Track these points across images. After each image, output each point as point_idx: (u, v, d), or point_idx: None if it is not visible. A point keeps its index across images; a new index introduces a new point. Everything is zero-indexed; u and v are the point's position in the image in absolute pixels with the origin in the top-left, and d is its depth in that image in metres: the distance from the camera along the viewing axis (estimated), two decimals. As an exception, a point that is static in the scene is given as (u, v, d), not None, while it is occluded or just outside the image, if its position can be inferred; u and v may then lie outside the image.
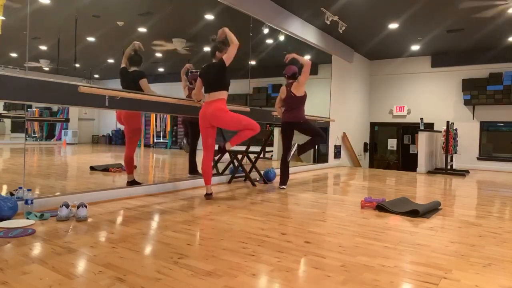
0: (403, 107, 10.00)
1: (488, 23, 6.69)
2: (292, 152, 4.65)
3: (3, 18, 2.94)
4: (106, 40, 4.65)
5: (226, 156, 5.21)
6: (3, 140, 6.99)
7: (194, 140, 5.24)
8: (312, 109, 6.86)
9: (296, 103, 4.73)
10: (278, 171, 5.36)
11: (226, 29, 3.84)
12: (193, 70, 5.12)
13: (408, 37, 7.89)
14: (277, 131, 8.48)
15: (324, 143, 8.07)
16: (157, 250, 2.22)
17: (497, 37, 7.57)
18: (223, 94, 3.85)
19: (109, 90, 3.53)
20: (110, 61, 5.06)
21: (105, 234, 2.52)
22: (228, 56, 3.79)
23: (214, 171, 5.32)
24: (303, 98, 4.76)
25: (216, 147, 4.07)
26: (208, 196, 3.96)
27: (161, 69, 5.71)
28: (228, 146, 3.93)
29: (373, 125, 10.66)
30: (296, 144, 4.67)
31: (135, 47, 4.25)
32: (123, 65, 4.25)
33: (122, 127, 4.42)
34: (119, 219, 2.95)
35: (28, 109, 6.21)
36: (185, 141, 5.25)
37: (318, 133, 4.75)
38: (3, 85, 2.84)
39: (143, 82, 4.10)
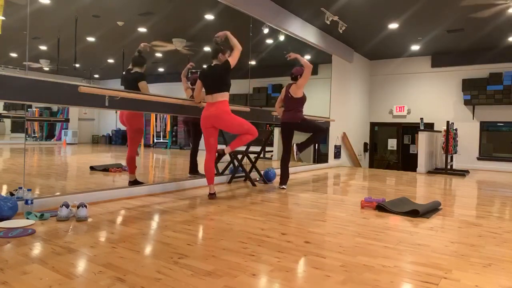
0: (403, 107, 10.00)
1: (488, 23, 6.69)
2: (295, 153, 4.66)
3: (3, 18, 2.94)
4: (106, 40, 4.65)
5: (226, 156, 5.21)
6: (3, 140, 6.99)
7: (196, 140, 5.24)
8: (312, 109, 6.86)
9: (293, 104, 4.75)
10: (278, 171, 5.36)
11: (229, 33, 3.93)
12: (193, 71, 5.11)
13: (408, 37, 7.89)
14: (277, 131, 8.48)
15: (324, 142, 8.03)
16: (157, 250, 2.22)
17: (497, 37, 7.56)
18: (226, 96, 3.87)
19: (109, 90, 3.53)
20: (110, 61, 5.06)
21: (105, 234, 2.52)
22: (233, 60, 3.84)
23: (214, 171, 5.33)
24: (301, 100, 4.77)
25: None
26: (212, 195, 3.96)
27: (161, 69, 5.71)
28: (228, 150, 3.93)
29: (373, 125, 10.66)
30: (295, 144, 4.68)
31: (140, 48, 4.24)
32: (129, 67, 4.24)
33: (122, 127, 4.40)
34: (119, 219, 2.95)
35: (28, 109, 6.21)
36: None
37: (319, 128, 4.76)
38: (3, 85, 2.84)
39: (142, 84, 4.08)
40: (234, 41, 3.90)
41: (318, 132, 4.77)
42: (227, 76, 3.85)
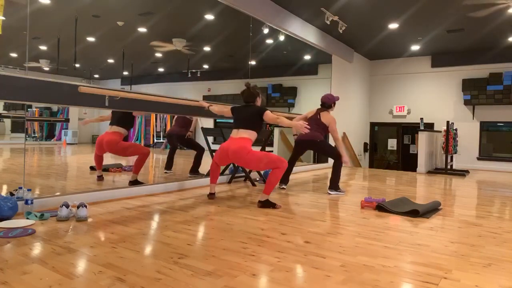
0: (403, 107, 10.00)
1: (488, 23, 6.68)
2: (336, 192, 4.51)
3: (3, 18, 2.94)
4: (106, 40, 4.65)
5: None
6: (3, 140, 6.99)
7: (196, 145, 5.27)
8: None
9: (318, 126, 4.68)
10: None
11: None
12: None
13: (408, 37, 7.89)
14: (277, 131, 8.48)
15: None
16: (157, 250, 2.22)
17: (497, 37, 7.56)
18: (251, 135, 3.75)
19: (109, 90, 3.53)
20: (110, 61, 5.07)
21: (105, 234, 2.52)
22: (271, 118, 3.75)
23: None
24: (326, 127, 4.71)
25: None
26: (211, 195, 3.95)
27: (161, 69, 5.72)
28: (264, 197, 3.63)
29: (373, 125, 10.65)
30: (328, 192, 4.49)
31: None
32: None
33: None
34: (119, 219, 2.95)
35: (28, 109, 6.20)
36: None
37: (336, 155, 4.59)
38: (3, 85, 2.84)
39: None
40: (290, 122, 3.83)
41: (335, 159, 4.59)
42: (259, 120, 3.79)
